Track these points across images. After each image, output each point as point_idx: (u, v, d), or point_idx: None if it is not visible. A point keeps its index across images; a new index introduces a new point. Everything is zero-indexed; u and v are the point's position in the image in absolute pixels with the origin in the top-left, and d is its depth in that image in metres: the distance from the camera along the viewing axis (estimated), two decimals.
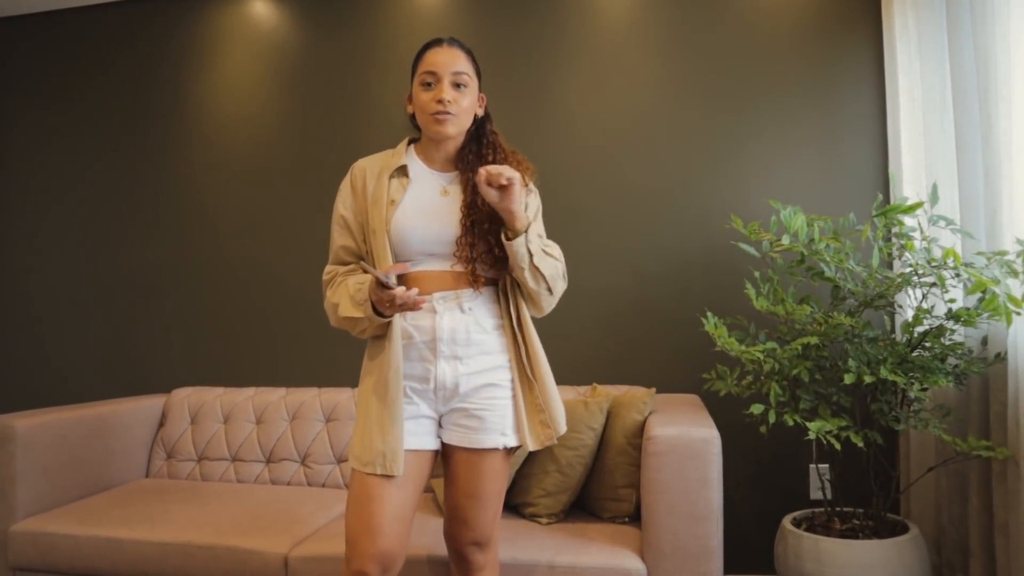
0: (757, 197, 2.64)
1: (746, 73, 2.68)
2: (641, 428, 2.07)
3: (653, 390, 2.23)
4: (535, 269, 1.49)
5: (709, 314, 2.13)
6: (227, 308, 3.08)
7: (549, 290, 1.53)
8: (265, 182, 3.07)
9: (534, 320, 1.60)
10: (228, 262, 3.09)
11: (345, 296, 1.51)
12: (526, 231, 1.46)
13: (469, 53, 1.57)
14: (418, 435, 1.51)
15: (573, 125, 2.80)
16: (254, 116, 3.10)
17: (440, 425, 1.56)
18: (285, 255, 3.01)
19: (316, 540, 2.01)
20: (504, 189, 1.42)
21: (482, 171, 1.42)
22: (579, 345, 2.74)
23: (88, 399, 3.20)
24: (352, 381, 2.81)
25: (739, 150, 2.67)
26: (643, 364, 2.69)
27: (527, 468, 2.17)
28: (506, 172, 1.40)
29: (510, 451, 1.55)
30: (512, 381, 1.54)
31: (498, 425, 1.51)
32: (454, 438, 1.53)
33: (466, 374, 1.51)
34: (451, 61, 1.52)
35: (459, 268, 1.51)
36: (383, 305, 1.41)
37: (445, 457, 1.58)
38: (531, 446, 1.52)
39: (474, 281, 1.51)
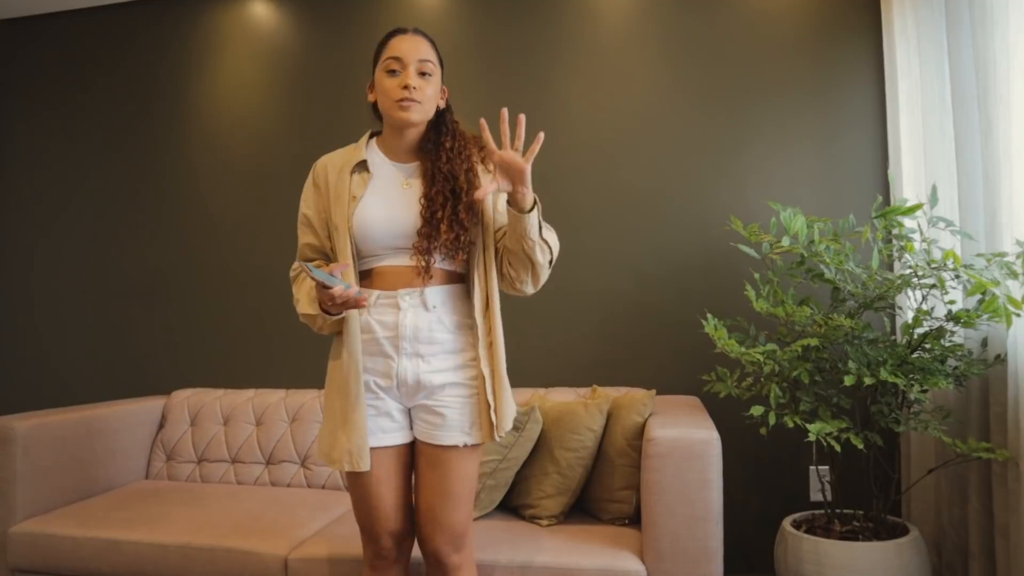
0: (757, 198, 2.64)
1: (746, 74, 2.68)
2: (641, 430, 2.07)
3: (653, 392, 2.22)
4: (544, 242, 1.49)
5: (709, 316, 2.13)
6: (227, 309, 3.08)
7: (551, 262, 1.53)
8: (265, 183, 3.07)
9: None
10: (228, 263, 3.09)
11: (304, 293, 1.55)
12: (536, 204, 1.46)
13: (433, 43, 1.57)
14: (389, 432, 1.54)
15: (572, 126, 2.80)
16: (254, 117, 3.10)
17: (410, 418, 1.57)
18: (285, 256, 3.01)
19: (316, 542, 2.01)
20: (517, 174, 1.40)
21: (496, 157, 1.40)
22: (579, 347, 2.74)
23: (88, 400, 3.21)
24: None
25: (739, 151, 2.67)
26: (643, 366, 2.69)
27: (527, 470, 2.17)
28: (516, 159, 1.39)
29: (474, 448, 1.55)
30: (475, 379, 1.53)
31: (460, 423, 1.52)
32: (420, 433, 1.55)
33: (428, 372, 1.51)
34: (417, 49, 1.51)
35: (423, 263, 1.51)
36: (327, 304, 1.43)
37: (414, 455, 1.59)
38: (481, 440, 1.53)
39: (425, 274, 1.50)
